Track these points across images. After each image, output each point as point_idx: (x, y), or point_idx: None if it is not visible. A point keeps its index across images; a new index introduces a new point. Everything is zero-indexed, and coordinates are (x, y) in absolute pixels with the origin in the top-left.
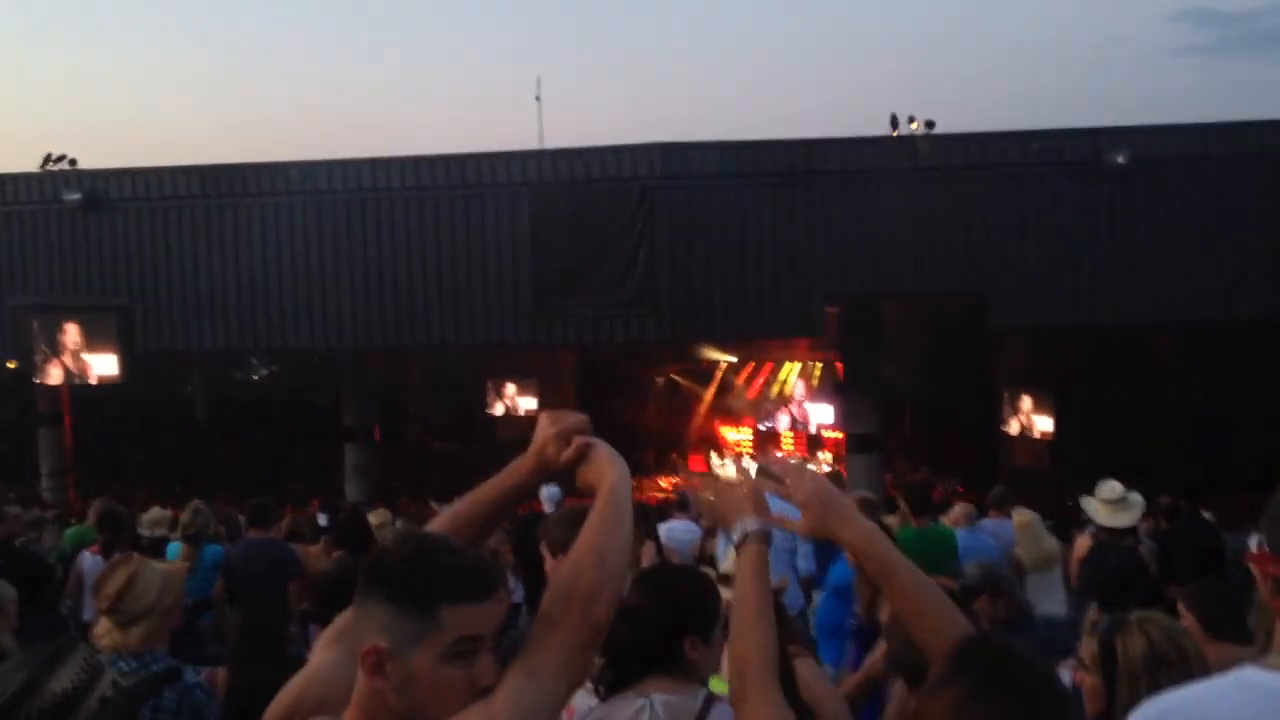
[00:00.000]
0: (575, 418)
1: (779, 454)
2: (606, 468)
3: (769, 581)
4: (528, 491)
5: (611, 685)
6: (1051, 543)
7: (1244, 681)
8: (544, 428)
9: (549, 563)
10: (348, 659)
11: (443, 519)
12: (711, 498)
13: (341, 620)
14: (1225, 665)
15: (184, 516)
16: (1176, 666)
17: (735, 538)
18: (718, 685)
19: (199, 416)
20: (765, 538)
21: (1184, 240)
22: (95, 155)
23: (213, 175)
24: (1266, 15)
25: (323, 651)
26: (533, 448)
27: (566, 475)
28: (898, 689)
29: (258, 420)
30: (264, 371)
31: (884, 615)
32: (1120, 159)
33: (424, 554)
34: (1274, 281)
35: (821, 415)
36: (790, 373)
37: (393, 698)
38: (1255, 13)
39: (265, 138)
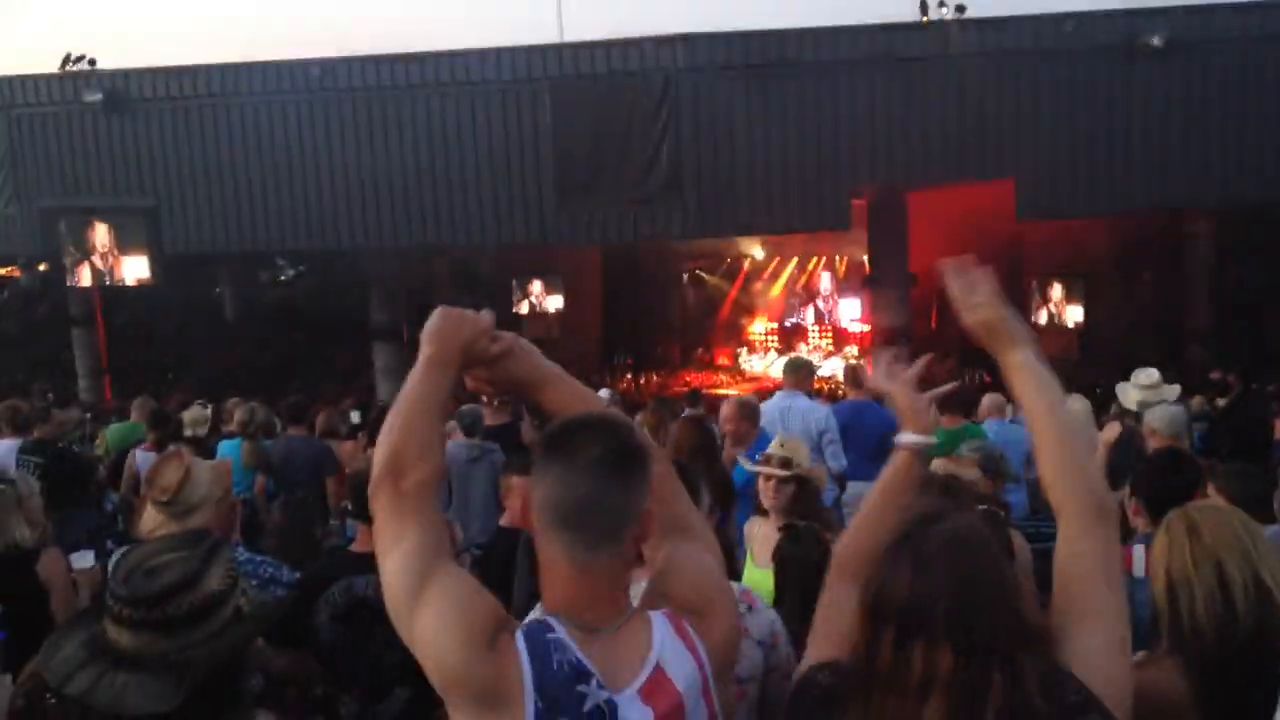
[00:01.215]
0: (487, 313)
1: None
2: (539, 358)
3: (907, 493)
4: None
5: None
6: (1095, 431)
7: None
8: (460, 325)
9: None
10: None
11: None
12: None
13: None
14: None
15: (239, 414)
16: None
17: (900, 442)
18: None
19: (229, 317)
20: (920, 449)
21: (1218, 124)
22: (116, 55)
23: (234, 73)
24: None
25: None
26: (451, 344)
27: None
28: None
29: (287, 320)
30: (291, 272)
31: None
32: (1156, 40)
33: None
34: None
35: (849, 309)
36: (816, 266)
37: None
38: None
39: (283, 35)
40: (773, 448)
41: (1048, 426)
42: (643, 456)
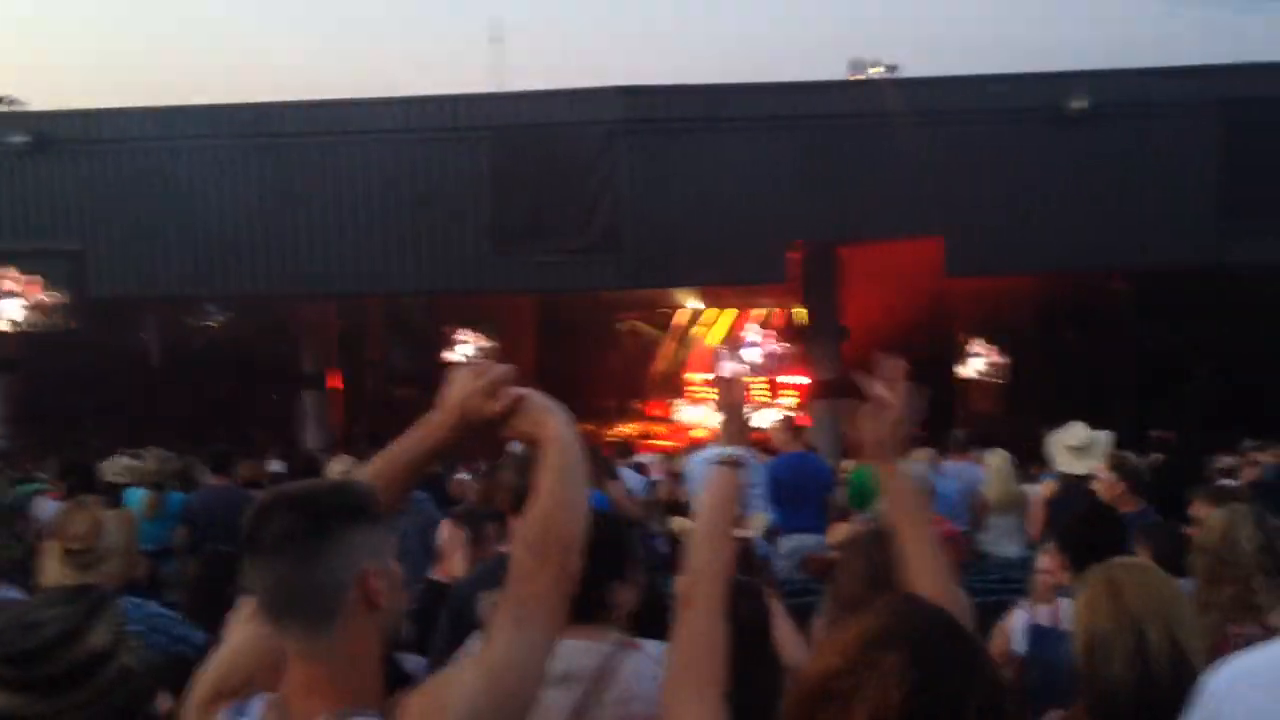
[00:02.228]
0: (501, 369)
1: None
2: (546, 415)
3: (731, 508)
4: (446, 449)
5: None
6: (1017, 485)
7: None
8: (464, 381)
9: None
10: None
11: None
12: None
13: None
14: None
15: (149, 464)
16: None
17: (714, 457)
18: None
19: (154, 363)
20: (734, 463)
21: (1137, 186)
22: (43, 96)
23: (164, 117)
24: None
25: (244, 626)
26: (450, 402)
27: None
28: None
29: (214, 367)
30: (220, 318)
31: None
32: (1079, 104)
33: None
34: (1224, 229)
35: (783, 361)
36: (752, 318)
37: (384, 617)
38: None
39: (217, 79)
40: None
41: (918, 542)
42: (342, 519)
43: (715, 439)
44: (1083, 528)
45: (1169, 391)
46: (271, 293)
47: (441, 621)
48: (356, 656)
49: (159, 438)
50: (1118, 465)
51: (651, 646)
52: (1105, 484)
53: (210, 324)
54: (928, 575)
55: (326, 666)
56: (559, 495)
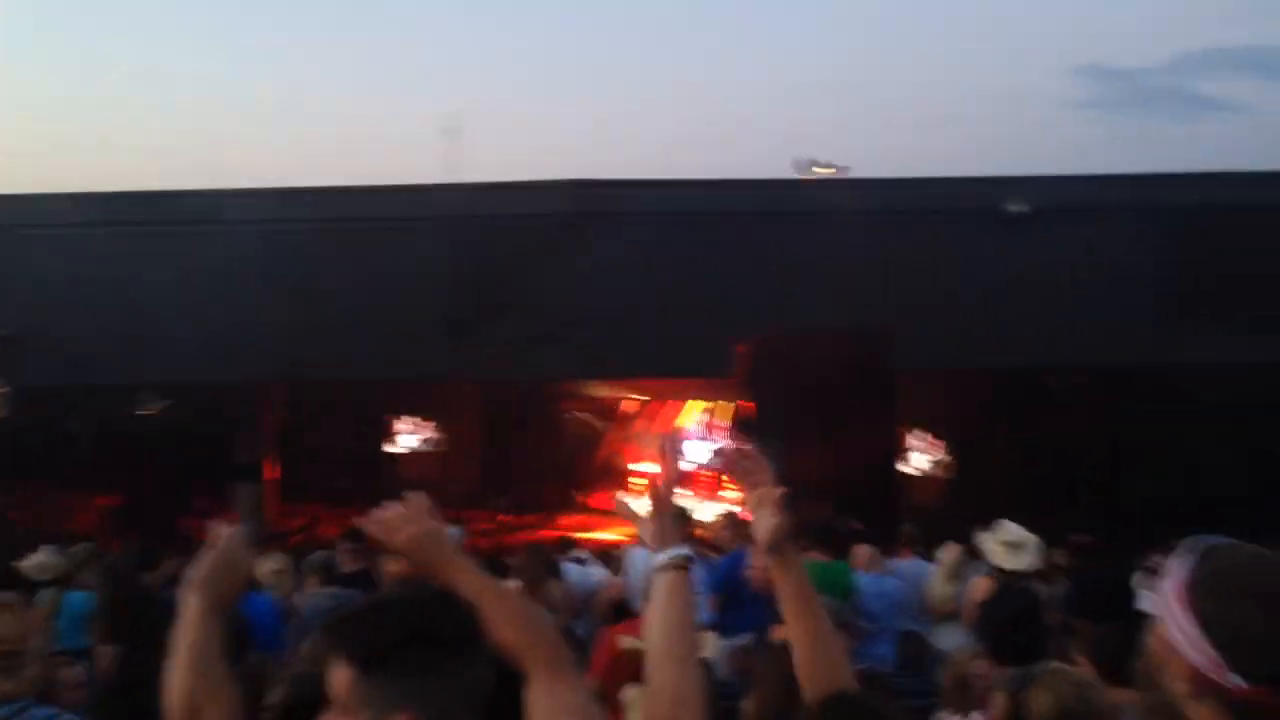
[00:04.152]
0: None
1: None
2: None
3: (693, 611)
4: None
5: None
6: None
7: None
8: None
9: None
10: None
11: None
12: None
13: None
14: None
15: (61, 559)
16: (1084, 718)
17: (660, 561)
18: None
19: (84, 454)
20: (684, 565)
21: (1077, 288)
22: None
23: (104, 203)
24: (1153, 73)
25: None
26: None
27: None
28: None
29: (148, 457)
30: (156, 406)
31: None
32: (1019, 207)
33: None
34: (1159, 332)
35: (729, 455)
36: (698, 410)
37: None
38: (1142, 70)
39: (158, 165)
40: None
41: (813, 635)
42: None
43: (641, 535)
44: (1012, 631)
45: (1106, 491)
46: (210, 380)
47: None
48: None
49: (89, 531)
50: None
51: None
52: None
53: (143, 413)
54: (826, 666)
55: None
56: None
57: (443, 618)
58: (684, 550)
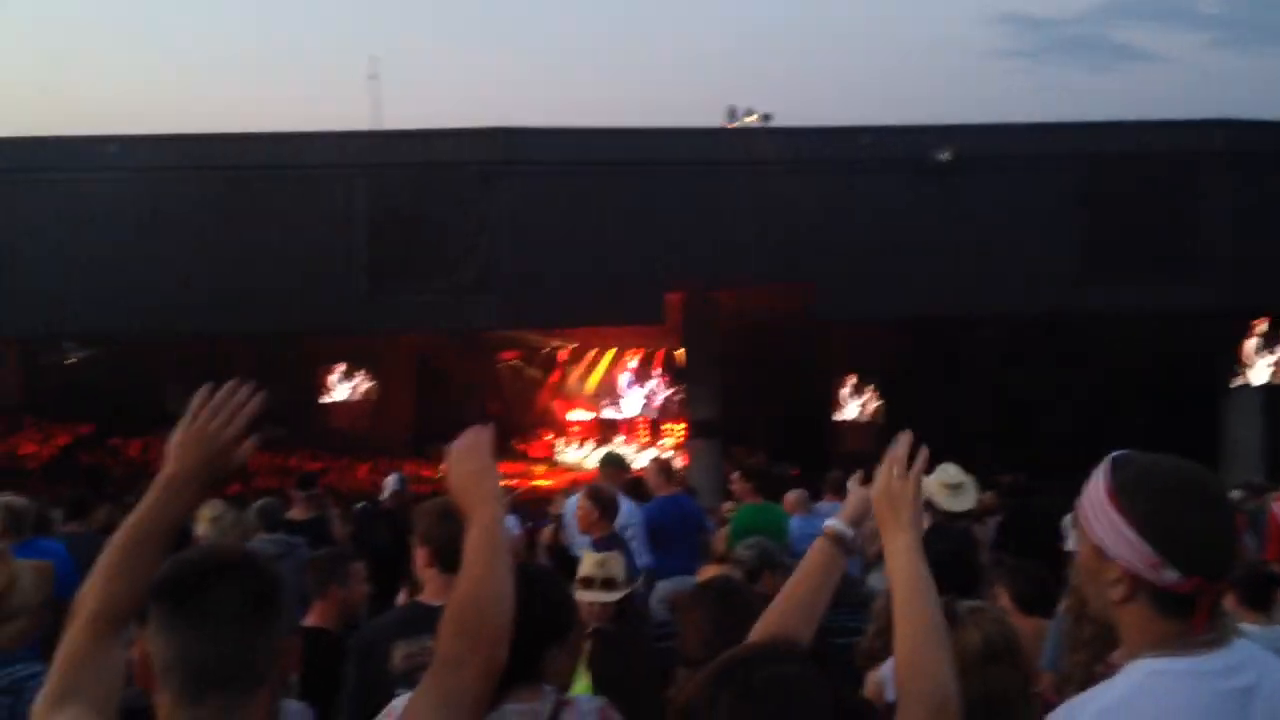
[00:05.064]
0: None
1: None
2: (482, 484)
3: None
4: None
5: None
6: None
7: (1155, 671)
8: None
9: (422, 556)
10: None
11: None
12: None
13: (63, 681)
14: (1032, 638)
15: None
16: (1006, 659)
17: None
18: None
19: (8, 403)
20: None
21: (1000, 237)
22: None
23: (20, 148)
24: (1072, 23)
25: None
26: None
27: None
28: None
29: (73, 407)
30: (79, 355)
31: None
32: (944, 156)
33: None
34: (1080, 279)
35: (662, 402)
36: (630, 359)
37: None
38: (1062, 19)
39: (78, 111)
40: (591, 568)
41: (914, 618)
42: (278, 597)
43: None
44: (942, 569)
45: (1025, 435)
46: (133, 333)
47: (349, 670)
48: None
49: (14, 482)
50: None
51: (584, 702)
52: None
53: (66, 362)
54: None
55: None
56: (492, 584)
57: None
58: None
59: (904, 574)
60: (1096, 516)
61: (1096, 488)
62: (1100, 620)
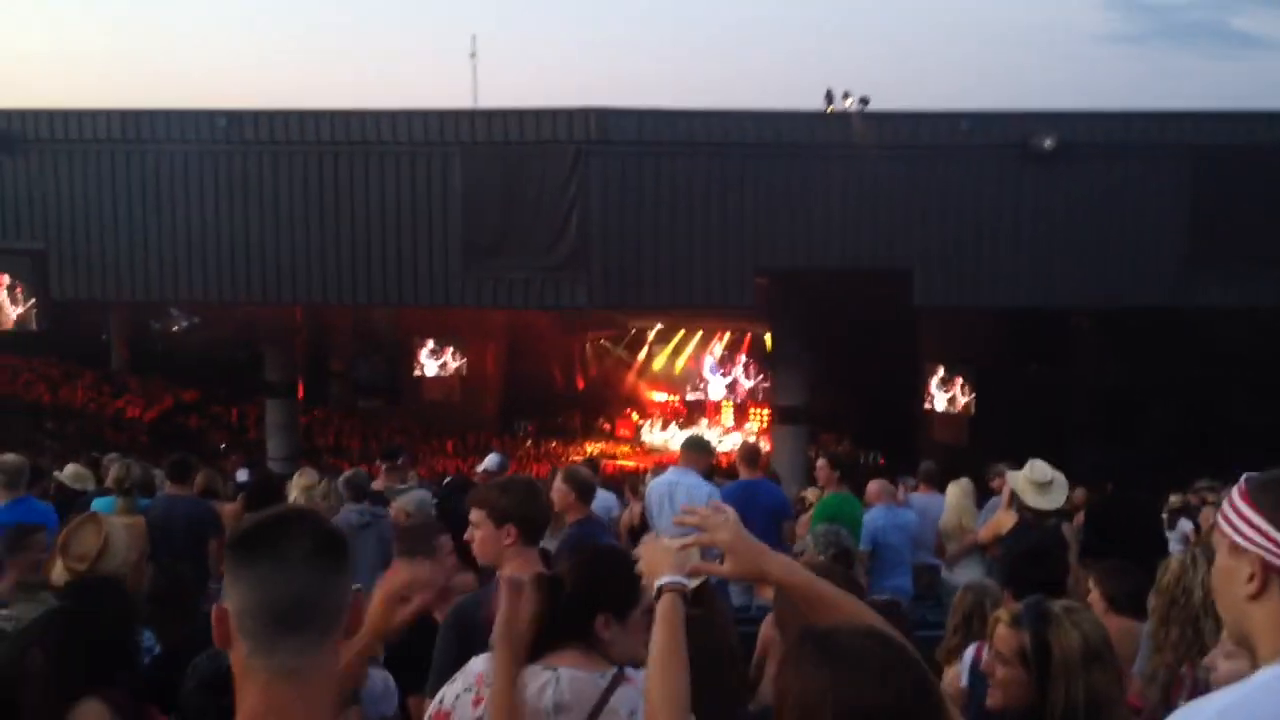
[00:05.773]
0: (420, 573)
1: (697, 506)
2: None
3: (680, 632)
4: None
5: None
6: (970, 505)
7: None
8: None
9: (481, 527)
10: None
11: None
12: (641, 554)
13: None
14: (1122, 639)
15: (115, 470)
16: (1105, 658)
17: (653, 591)
18: None
19: (115, 367)
20: (680, 591)
21: (1103, 226)
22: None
23: (134, 119)
24: (1188, 8)
25: None
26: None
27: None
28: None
29: (177, 372)
30: (184, 323)
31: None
32: (1047, 143)
33: None
34: (1186, 271)
35: (749, 386)
36: (719, 341)
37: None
38: (1178, 4)
39: (187, 85)
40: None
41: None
42: (346, 548)
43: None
44: (1029, 565)
45: (1127, 430)
46: (237, 300)
47: (445, 637)
48: (330, 678)
49: (120, 443)
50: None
51: (642, 677)
52: None
53: (173, 329)
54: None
55: (307, 686)
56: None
57: None
58: (683, 579)
59: (804, 583)
60: (1231, 516)
61: (1232, 492)
62: (1204, 620)
